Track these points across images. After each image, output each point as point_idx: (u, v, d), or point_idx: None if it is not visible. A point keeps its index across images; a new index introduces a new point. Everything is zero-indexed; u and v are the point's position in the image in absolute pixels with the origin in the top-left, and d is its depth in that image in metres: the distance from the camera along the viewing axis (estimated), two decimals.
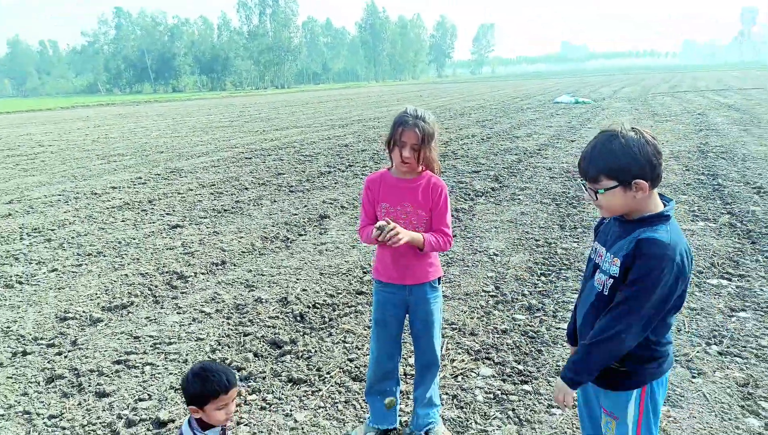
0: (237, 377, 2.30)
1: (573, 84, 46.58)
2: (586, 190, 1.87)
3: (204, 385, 2.14)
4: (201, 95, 63.91)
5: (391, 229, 2.37)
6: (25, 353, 3.87)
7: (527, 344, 3.74)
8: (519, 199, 7.78)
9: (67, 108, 41.30)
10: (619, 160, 1.72)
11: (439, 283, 2.70)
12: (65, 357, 3.79)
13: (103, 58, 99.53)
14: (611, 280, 1.82)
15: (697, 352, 3.54)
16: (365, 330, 4.01)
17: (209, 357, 3.66)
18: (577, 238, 5.93)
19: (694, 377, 3.27)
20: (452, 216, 7.00)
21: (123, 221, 7.35)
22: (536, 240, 5.93)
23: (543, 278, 4.90)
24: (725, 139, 12.26)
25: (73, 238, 6.66)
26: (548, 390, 3.19)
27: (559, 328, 3.94)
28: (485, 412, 3.01)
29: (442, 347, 3.65)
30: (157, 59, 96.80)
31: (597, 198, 1.82)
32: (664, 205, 1.80)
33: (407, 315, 2.73)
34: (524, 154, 11.37)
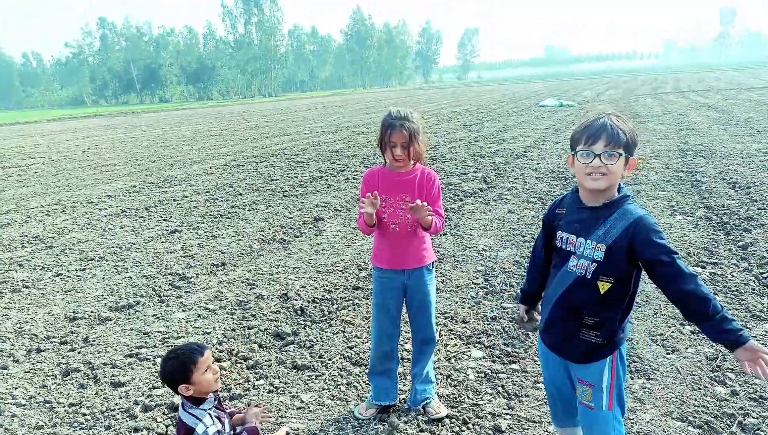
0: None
1: (557, 87, 47.25)
2: (597, 156, 1.99)
3: (179, 359, 2.36)
4: (188, 105, 63.91)
5: (424, 206, 2.66)
6: (39, 350, 4.06)
7: (515, 329, 4.00)
8: (506, 198, 8.07)
9: (54, 120, 41.17)
10: (633, 136, 2.02)
11: (433, 267, 2.96)
12: (78, 353, 3.99)
13: (89, 69, 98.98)
14: (594, 265, 2.03)
15: (672, 332, 3.83)
16: (363, 321, 4.25)
17: (217, 349, 3.88)
18: None
19: (668, 354, 3.54)
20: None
21: (122, 228, 7.53)
22: (523, 236, 6.21)
23: None
24: (704, 137, 12.67)
25: (74, 244, 6.84)
26: (534, 368, 3.45)
27: None
28: (477, 389, 3.26)
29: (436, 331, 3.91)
30: (143, 70, 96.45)
31: (606, 163, 1.97)
32: (619, 188, 2.08)
33: (405, 298, 2.98)
34: (511, 156, 11.69)
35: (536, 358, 3.57)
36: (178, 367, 2.34)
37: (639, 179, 8.68)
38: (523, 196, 8.09)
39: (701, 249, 5.43)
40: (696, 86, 35.55)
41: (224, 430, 2.43)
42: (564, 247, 2.14)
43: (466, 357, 3.65)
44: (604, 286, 2.03)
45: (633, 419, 2.88)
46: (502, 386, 3.27)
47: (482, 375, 3.42)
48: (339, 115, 27.89)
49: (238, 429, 2.58)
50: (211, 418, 2.38)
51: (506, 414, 3.01)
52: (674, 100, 24.50)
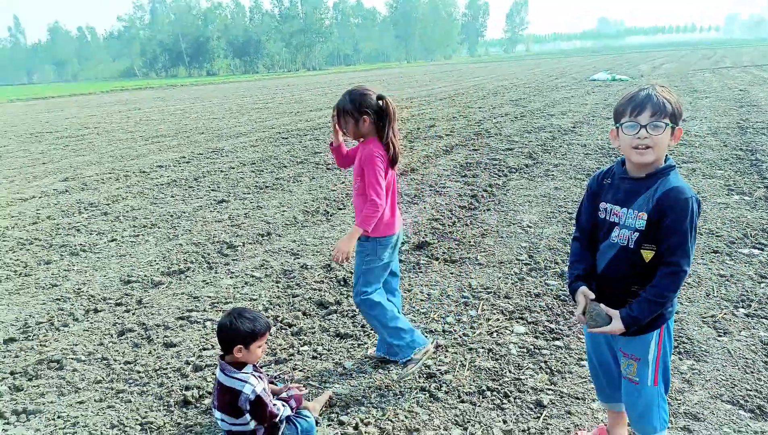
0: None
1: (610, 61, 45.51)
2: (643, 127, 1.95)
3: (255, 324, 2.45)
4: (235, 78, 64.77)
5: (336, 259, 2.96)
6: (96, 311, 4.28)
7: (559, 306, 3.95)
8: (553, 174, 7.89)
9: (106, 92, 42.51)
10: (678, 106, 1.98)
11: (367, 241, 3.06)
12: (133, 314, 4.18)
13: (139, 42, 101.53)
14: (636, 234, 2.01)
15: (725, 314, 3.70)
16: (405, 293, 4.28)
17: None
18: None
19: (720, 336, 3.43)
20: (485, 190, 7.15)
21: (172, 197, 7.77)
22: (569, 213, 6.07)
23: None
24: (767, 114, 12.00)
25: (127, 211, 7.11)
26: (578, 346, 3.40)
27: None
28: (519, 364, 3.25)
29: (477, 308, 3.93)
30: (192, 43, 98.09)
31: (652, 134, 1.94)
32: (666, 159, 2.05)
33: None
34: (558, 131, 11.39)
35: (580, 336, 3.53)
36: (249, 331, 2.43)
37: (695, 157, 8.33)
38: (570, 173, 7.90)
39: (759, 230, 5.20)
40: (759, 60, 33.59)
41: (267, 389, 2.52)
42: (608, 218, 2.13)
43: (508, 332, 3.64)
44: (648, 255, 2.02)
45: (680, 400, 2.82)
46: (545, 362, 3.25)
47: (524, 350, 3.40)
48: (383, 89, 27.62)
49: (285, 394, 2.66)
50: (255, 378, 2.47)
51: (548, 389, 2.99)
52: (735, 75, 23.25)
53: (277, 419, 2.51)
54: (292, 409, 2.58)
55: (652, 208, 1.96)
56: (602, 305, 2.09)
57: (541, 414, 2.79)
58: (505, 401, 2.91)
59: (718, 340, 3.38)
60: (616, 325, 2.04)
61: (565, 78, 27.87)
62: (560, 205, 6.41)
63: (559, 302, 4.01)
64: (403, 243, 5.43)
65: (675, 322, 3.59)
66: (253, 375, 2.49)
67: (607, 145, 9.60)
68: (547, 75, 31.55)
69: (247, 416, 2.46)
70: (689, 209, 1.92)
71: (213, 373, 3.29)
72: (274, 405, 2.51)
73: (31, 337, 3.89)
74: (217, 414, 2.51)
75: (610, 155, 8.81)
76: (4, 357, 3.64)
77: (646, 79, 23.63)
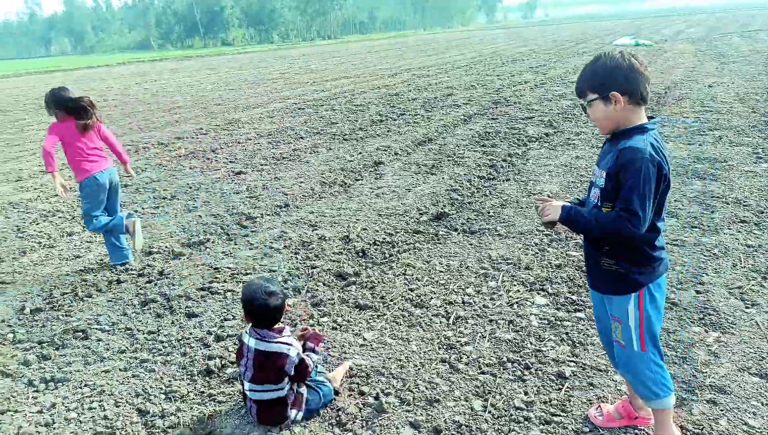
0: None
1: (633, 25, 44.15)
2: (583, 109, 2.12)
3: (282, 289, 2.63)
4: (250, 48, 64.24)
5: None
6: (119, 281, 4.33)
7: (581, 277, 3.89)
8: (574, 143, 7.74)
9: (123, 64, 42.53)
10: (599, 76, 2.02)
11: None
12: (155, 284, 4.23)
13: (154, 13, 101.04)
14: (599, 192, 2.07)
15: (752, 285, 3.61)
16: (424, 264, 4.26)
17: (282, 286, 4.00)
18: None
19: (747, 308, 3.36)
20: (504, 160, 7.06)
21: (191, 168, 7.79)
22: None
23: None
24: None
25: (147, 183, 7.15)
26: None
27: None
28: (540, 335, 3.23)
29: (497, 279, 3.91)
30: (206, 13, 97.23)
31: (587, 112, 2.09)
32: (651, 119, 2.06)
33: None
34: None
35: None
36: (285, 296, 2.65)
37: (721, 124, 8.08)
38: (592, 142, 7.73)
39: None
40: None
41: (299, 347, 2.64)
42: (592, 177, 2.22)
43: (529, 303, 3.61)
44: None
45: (706, 373, 2.78)
46: (567, 334, 3.22)
47: (546, 322, 3.37)
48: (399, 58, 27.30)
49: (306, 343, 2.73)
50: (294, 339, 2.60)
51: (570, 361, 2.97)
52: (765, 39, 22.40)
53: (310, 369, 2.59)
54: (315, 352, 2.70)
55: (610, 167, 2.01)
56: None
57: (563, 386, 2.77)
58: (526, 373, 2.89)
59: (746, 312, 3.31)
60: (556, 208, 2.11)
61: (586, 44, 27.15)
62: (581, 174, 6.29)
63: (580, 273, 3.95)
64: (421, 214, 5.38)
65: (700, 293, 3.53)
66: (291, 335, 2.60)
67: None
68: (567, 40, 30.75)
69: (284, 383, 2.51)
70: (641, 166, 1.90)
71: (234, 343, 3.32)
72: (311, 360, 2.62)
73: (56, 308, 3.96)
74: (248, 385, 2.53)
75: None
76: (32, 326, 3.72)
77: (670, 45, 22.91)
